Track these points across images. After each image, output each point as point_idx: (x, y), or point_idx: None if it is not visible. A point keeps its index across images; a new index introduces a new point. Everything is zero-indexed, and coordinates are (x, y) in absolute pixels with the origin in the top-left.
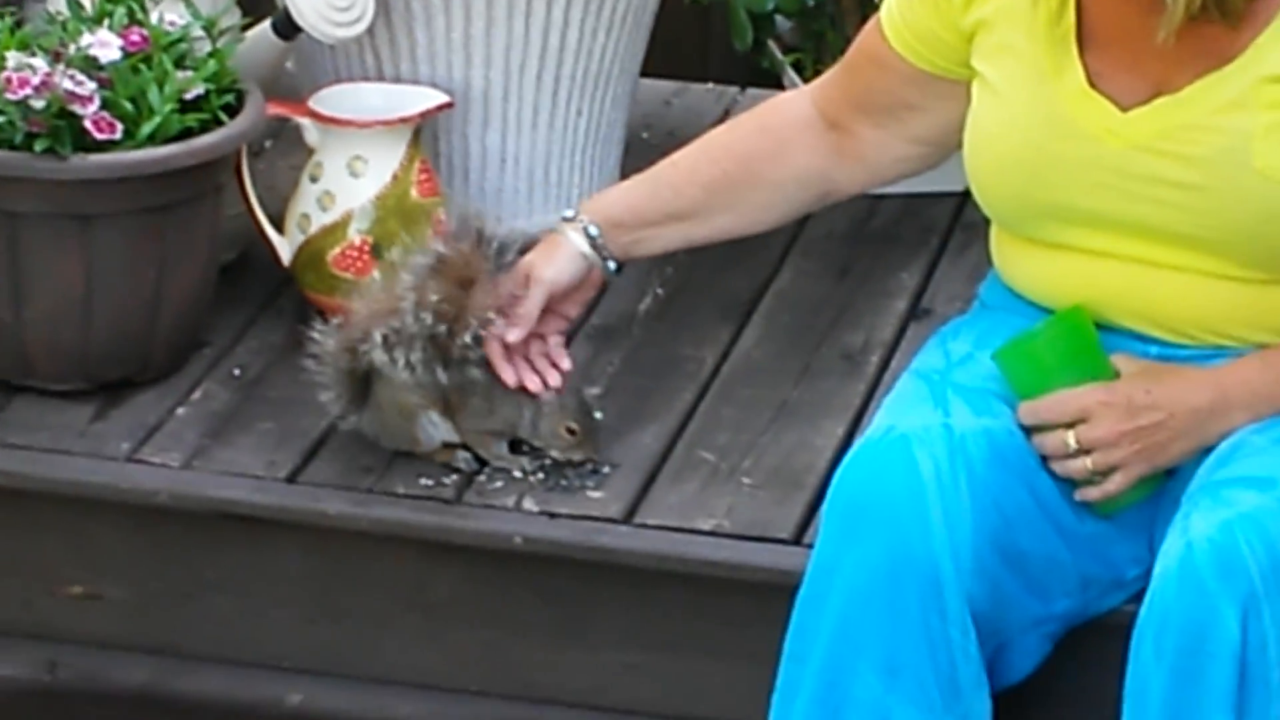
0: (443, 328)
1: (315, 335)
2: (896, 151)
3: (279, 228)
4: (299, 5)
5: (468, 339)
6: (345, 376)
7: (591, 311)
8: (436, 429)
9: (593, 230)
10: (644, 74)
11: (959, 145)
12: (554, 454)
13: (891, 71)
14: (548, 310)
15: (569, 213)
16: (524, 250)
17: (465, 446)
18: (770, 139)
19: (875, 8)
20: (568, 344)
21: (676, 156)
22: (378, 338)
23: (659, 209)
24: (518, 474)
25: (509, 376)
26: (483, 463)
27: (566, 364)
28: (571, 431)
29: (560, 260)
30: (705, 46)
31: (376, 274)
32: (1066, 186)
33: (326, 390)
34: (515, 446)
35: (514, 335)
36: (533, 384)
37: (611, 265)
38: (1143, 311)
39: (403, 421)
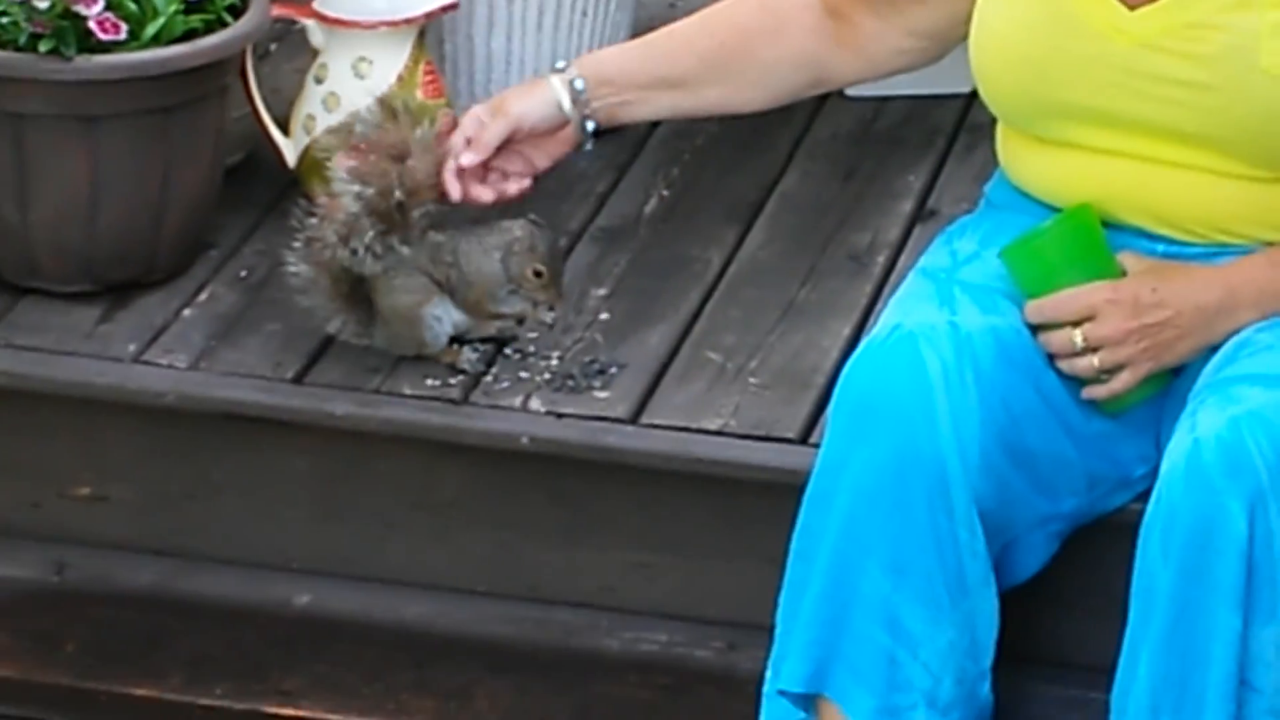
0: (373, 190)
1: (290, 267)
2: (894, 43)
3: (284, 129)
4: None
5: (398, 195)
6: (335, 297)
7: (597, 213)
8: (441, 323)
9: (578, 84)
10: None
11: (957, 41)
12: (521, 298)
13: None
14: (514, 150)
15: (561, 64)
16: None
17: (473, 343)
18: (770, 16)
19: None
20: (571, 248)
21: (675, 25)
22: (331, 237)
23: (650, 73)
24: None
25: (454, 190)
26: (499, 344)
27: (525, 183)
28: (538, 274)
29: (533, 100)
30: None
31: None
32: (1073, 84)
33: (329, 320)
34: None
35: (468, 159)
36: (485, 195)
37: (589, 125)
38: (1149, 209)
39: (406, 327)
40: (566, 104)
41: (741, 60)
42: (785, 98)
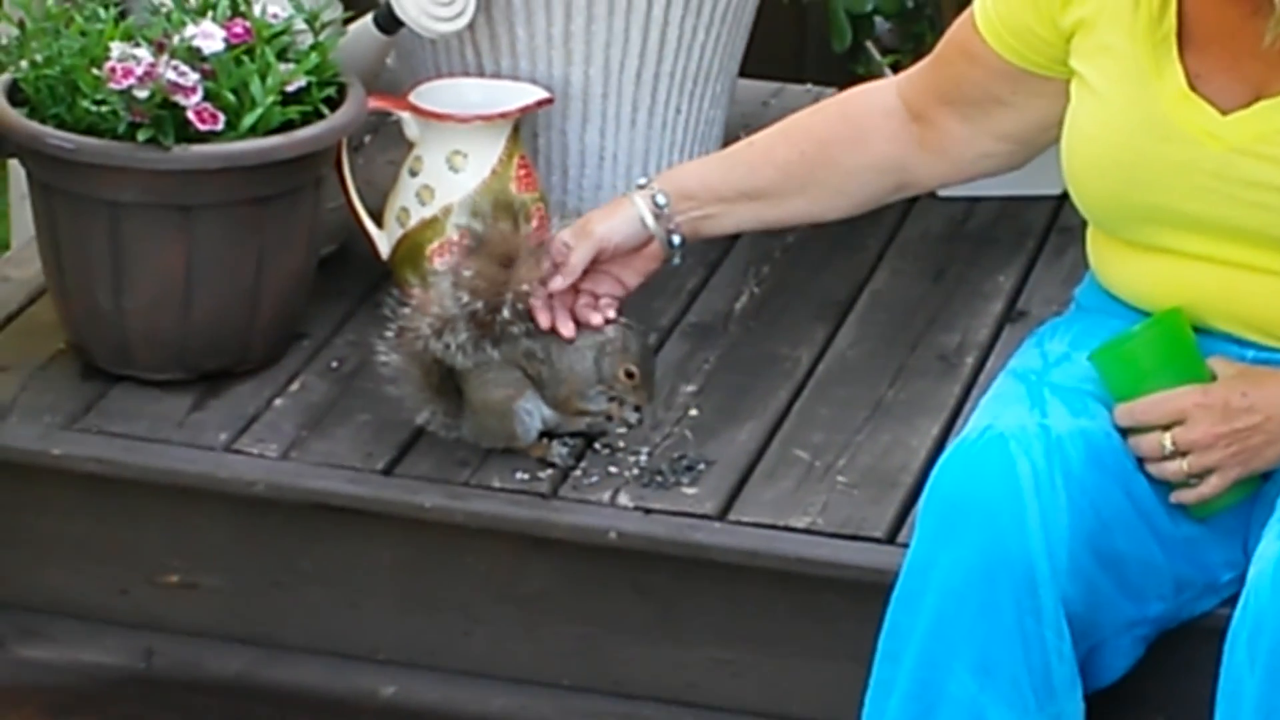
0: (481, 304)
1: (381, 357)
2: (980, 147)
3: (378, 221)
4: (401, 0)
5: (506, 314)
6: (425, 388)
7: (688, 309)
8: (532, 417)
9: (660, 199)
10: (742, 74)
11: (1044, 145)
12: (612, 396)
13: (982, 65)
14: (602, 272)
15: (642, 180)
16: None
17: (563, 437)
18: (850, 125)
19: None
20: (661, 344)
21: (756, 136)
22: (425, 329)
23: (732, 185)
24: (619, 425)
25: (543, 319)
26: (589, 439)
27: (611, 314)
28: (630, 375)
29: (616, 219)
30: (803, 47)
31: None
32: (1165, 189)
33: (419, 411)
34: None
35: (557, 284)
36: (566, 329)
37: (675, 239)
38: (1240, 315)
39: (497, 420)
40: (650, 220)
41: (823, 170)
42: (869, 204)
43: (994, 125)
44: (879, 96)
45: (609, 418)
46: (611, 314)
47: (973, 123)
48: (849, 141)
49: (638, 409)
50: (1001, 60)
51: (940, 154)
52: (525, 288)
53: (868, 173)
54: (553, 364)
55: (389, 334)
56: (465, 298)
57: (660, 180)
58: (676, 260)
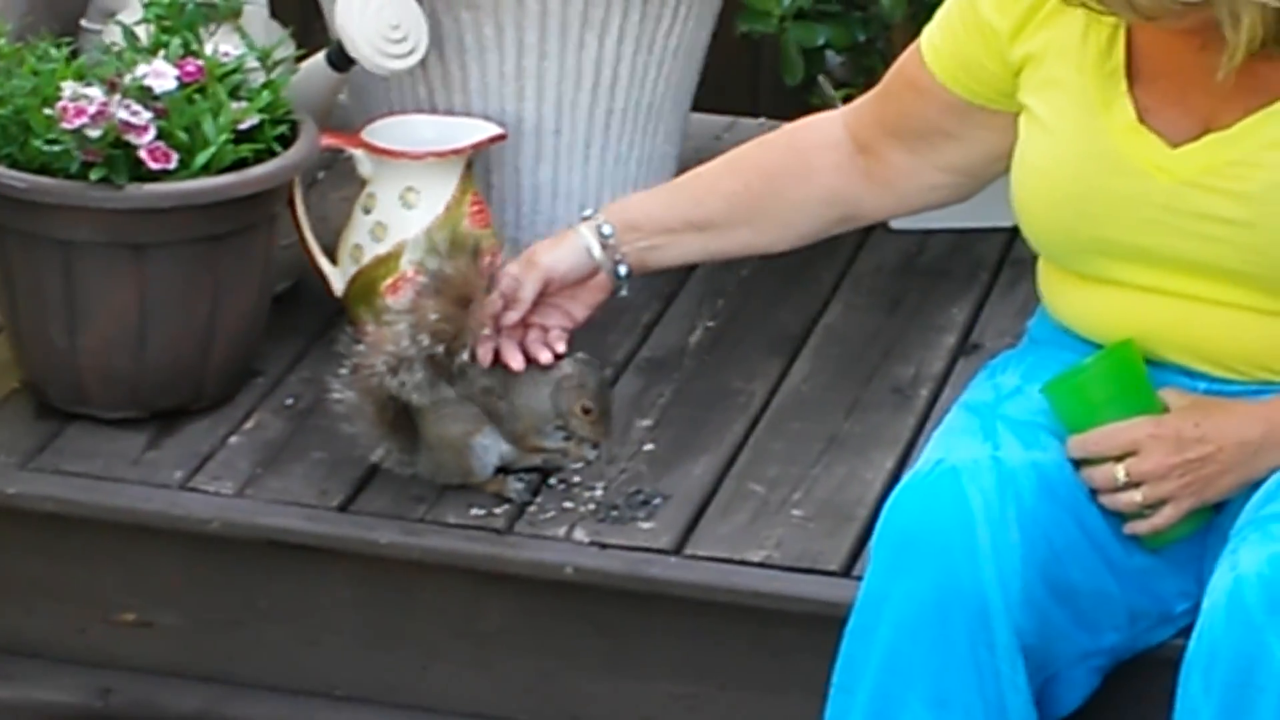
0: (441, 348)
1: (335, 395)
2: (927, 179)
3: (332, 258)
4: (353, 37)
5: (464, 356)
6: (379, 424)
7: (642, 344)
8: (489, 452)
9: (605, 229)
10: (695, 108)
11: (991, 177)
12: (569, 431)
13: (929, 98)
14: (550, 304)
15: (587, 212)
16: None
17: (518, 473)
18: (796, 157)
19: None
20: (616, 378)
21: (702, 168)
22: (380, 365)
23: (677, 216)
24: (575, 461)
25: (485, 356)
26: (544, 474)
27: (560, 348)
28: (586, 410)
29: (562, 250)
30: (756, 81)
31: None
32: (1115, 222)
33: (373, 448)
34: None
35: (509, 318)
36: (515, 362)
37: (622, 270)
38: (1191, 346)
39: (454, 455)
40: (596, 250)
41: (768, 201)
42: (815, 236)
43: (940, 158)
44: (825, 128)
45: (565, 454)
46: (561, 347)
47: (919, 155)
48: (794, 174)
49: (595, 445)
50: (949, 93)
51: (886, 186)
52: (484, 329)
53: (813, 204)
54: (510, 400)
55: (343, 371)
56: (425, 340)
57: (606, 211)
58: (624, 291)
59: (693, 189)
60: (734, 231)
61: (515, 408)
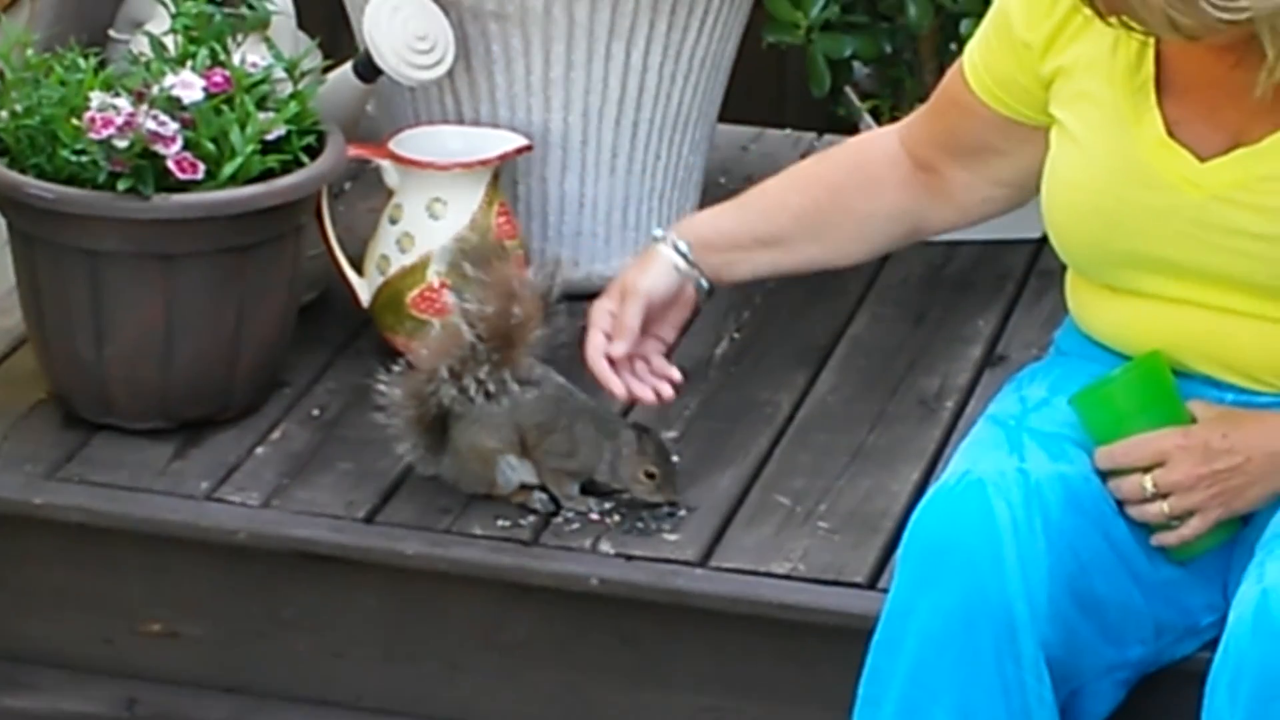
0: (498, 355)
1: (380, 388)
2: (982, 192)
3: (358, 269)
4: (380, 48)
5: (526, 370)
6: (416, 424)
7: (669, 355)
8: (515, 471)
9: (683, 246)
10: (722, 119)
11: (1039, 189)
12: (633, 497)
13: (973, 115)
14: (645, 331)
15: (659, 232)
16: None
17: (542, 487)
18: (861, 173)
19: (953, 55)
20: None
21: (766, 184)
22: (444, 372)
23: (747, 233)
24: (594, 516)
25: (617, 388)
26: (559, 503)
27: (676, 374)
28: (650, 475)
29: (655, 272)
30: (782, 92)
31: (437, 321)
32: (1144, 235)
33: (401, 441)
34: (589, 489)
35: (619, 349)
36: (646, 395)
37: (704, 283)
38: (1219, 358)
39: (481, 466)
40: (682, 265)
41: (837, 217)
42: (881, 250)
43: (991, 172)
44: (884, 144)
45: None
46: (676, 374)
47: (972, 170)
48: (861, 189)
49: (672, 503)
50: (990, 110)
51: (947, 199)
52: (536, 330)
53: (880, 220)
54: (572, 443)
55: (397, 369)
56: (484, 351)
57: (676, 230)
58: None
59: (760, 205)
60: (802, 247)
61: (573, 454)
